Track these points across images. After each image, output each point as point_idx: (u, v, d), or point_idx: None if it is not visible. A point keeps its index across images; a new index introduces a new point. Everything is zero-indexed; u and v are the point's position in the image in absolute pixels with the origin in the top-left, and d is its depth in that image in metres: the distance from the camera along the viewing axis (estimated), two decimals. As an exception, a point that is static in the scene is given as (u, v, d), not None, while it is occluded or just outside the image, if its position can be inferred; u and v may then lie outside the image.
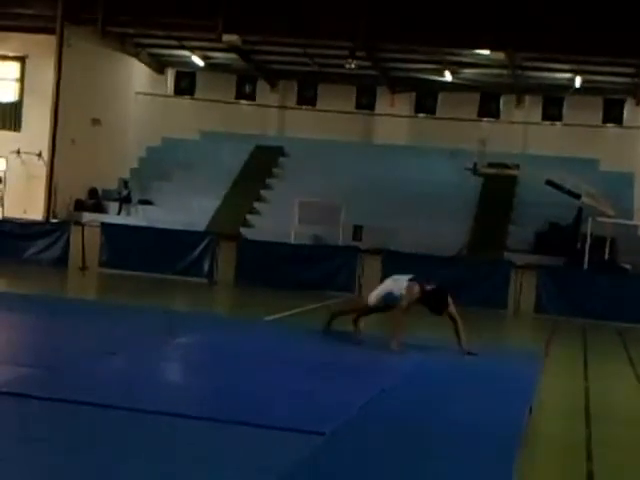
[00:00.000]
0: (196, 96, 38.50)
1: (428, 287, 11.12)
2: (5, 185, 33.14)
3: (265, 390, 8.02)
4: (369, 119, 37.47)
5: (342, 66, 31.71)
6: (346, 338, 11.76)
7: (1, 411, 6.71)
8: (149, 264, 20.06)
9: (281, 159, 36.75)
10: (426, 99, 36.85)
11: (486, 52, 29.88)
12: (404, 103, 36.92)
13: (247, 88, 38.52)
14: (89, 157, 32.50)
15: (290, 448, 6.20)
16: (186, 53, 35.82)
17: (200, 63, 36.47)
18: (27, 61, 33.01)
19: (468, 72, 33.82)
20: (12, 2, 30.18)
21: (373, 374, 9.40)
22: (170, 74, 38.98)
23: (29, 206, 31.39)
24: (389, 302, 11.38)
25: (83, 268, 20.56)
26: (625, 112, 35.30)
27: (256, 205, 34.20)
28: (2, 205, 32.96)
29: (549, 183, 29.12)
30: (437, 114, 36.57)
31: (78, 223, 23.44)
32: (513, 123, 35.90)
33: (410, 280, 11.23)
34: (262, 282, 19.22)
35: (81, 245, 20.81)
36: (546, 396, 9.17)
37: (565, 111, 35.68)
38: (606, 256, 27.55)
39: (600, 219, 27.68)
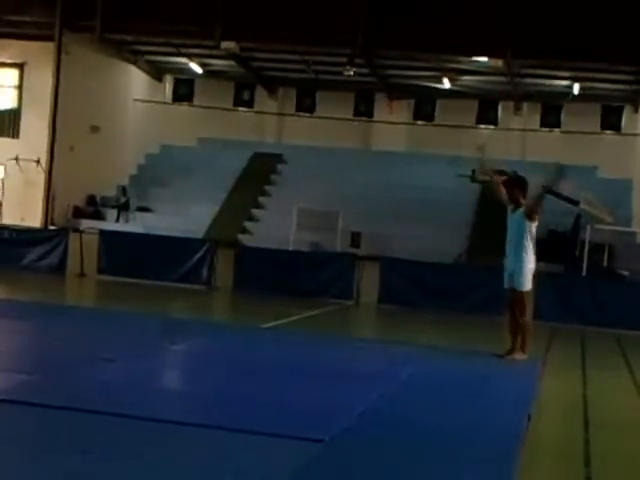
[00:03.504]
0: (194, 103, 38.55)
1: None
2: (3, 192, 33.13)
3: (263, 397, 8.01)
4: (367, 126, 37.50)
5: (340, 73, 31.74)
6: (344, 345, 11.73)
7: (0, 419, 6.71)
8: (147, 271, 20.01)
9: (279, 166, 36.75)
10: (424, 106, 36.90)
11: (484, 59, 29.92)
12: (402, 110, 36.97)
13: (245, 95, 38.56)
14: (87, 164, 32.51)
15: (288, 455, 6.19)
16: (184, 60, 35.86)
17: (198, 70, 36.50)
18: (26, 68, 33.03)
19: (466, 79, 33.86)
20: (10, 9, 30.21)
21: (372, 380, 9.38)
22: (168, 81, 39.03)
23: (27, 213, 31.37)
24: None
25: (81, 275, 20.51)
26: (623, 119, 35.35)
27: (254, 212, 34.20)
28: (0, 212, 32.94)
29: (547, 190, 29.08)
30: (435, 121, 36.62)
31: (76, 230, 23.36)
32: (511, 130, 35.94)
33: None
34: (260, 289, 19.16)
35: (79, 252, 20.75)
36: (545, 402, 9.16)
37: (563, 118, 35.73)
38: (604, 263, 27.54)
39: (598, 226, 27.67)
